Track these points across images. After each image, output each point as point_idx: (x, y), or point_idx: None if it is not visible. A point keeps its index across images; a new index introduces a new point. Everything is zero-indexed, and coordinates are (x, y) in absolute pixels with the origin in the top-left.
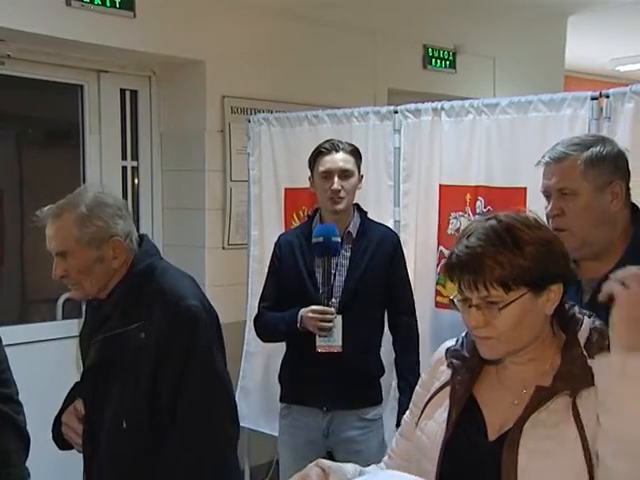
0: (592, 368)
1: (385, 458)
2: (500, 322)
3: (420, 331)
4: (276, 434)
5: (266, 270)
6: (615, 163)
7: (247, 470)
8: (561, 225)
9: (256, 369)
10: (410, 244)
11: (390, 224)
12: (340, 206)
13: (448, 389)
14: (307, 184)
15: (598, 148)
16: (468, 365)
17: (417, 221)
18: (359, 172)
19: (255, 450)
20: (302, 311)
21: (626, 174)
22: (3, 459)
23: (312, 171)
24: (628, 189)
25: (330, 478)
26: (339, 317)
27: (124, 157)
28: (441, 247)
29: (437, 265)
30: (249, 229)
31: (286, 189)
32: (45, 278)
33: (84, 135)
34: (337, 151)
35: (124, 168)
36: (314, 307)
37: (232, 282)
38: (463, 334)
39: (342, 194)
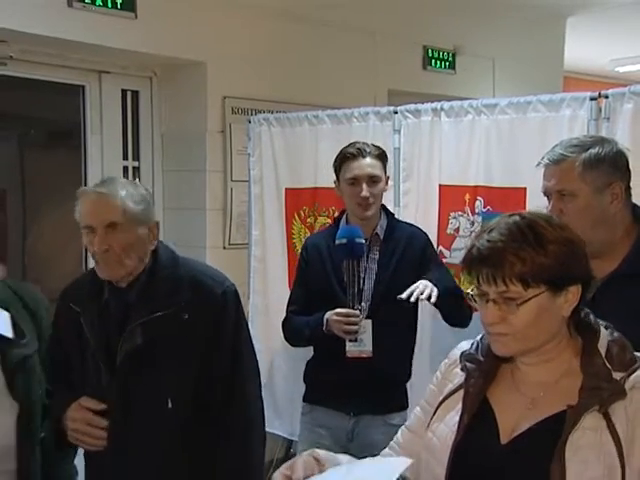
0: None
1: (386, 450)
2: (517, 319)
3: (420, 326)
4: (280, 433)
5: (268, 269)
6: (614, 164)
7: None
8: None
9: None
10: None
11: None
12: (369, 212)
13: (461, 392)
14: (308, 184)
15: (596, 149)
16: (482, 369)
17: (416, 220)
18: (386, 175)
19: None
20: (327, 314)
21: (626, 174)
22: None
23: (337, 175)
24: (629, 189)
25: (324, 467)
26: (369, 321)
27: (125, 157)
28: (440, 247)
29: None
30: (250, 229)
31: (286, 189)
32: (47, 277)
33: (85, 135)
34: (364, 157)
35: (125, 168)
36: (339, 310)
37: (233, 281)
38: (479, 337)
39: (371, 200)
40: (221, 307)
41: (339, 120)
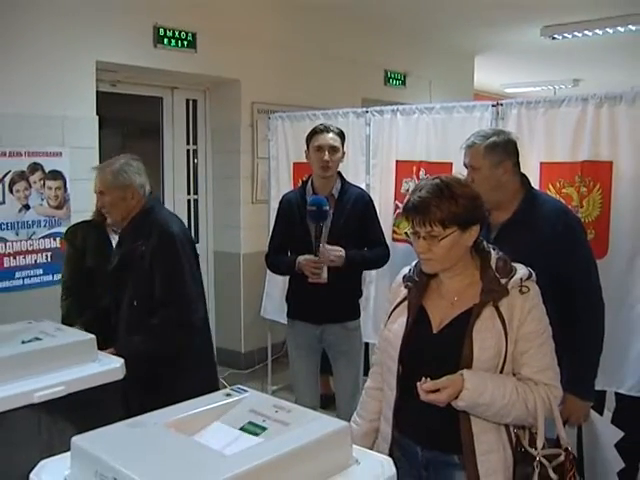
0: (506, 284)
1: (374, 357)
2: (438, 249)
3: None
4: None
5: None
6: (505, 148)
7: (269, 344)
8: None
9: (277, 282)
10: (376, 199)
11: (363, 186)
12: (328, 173)
13: (406, 303)
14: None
15: (494, 138)
16: (418, 285)
17: (381, 184)
18: (343, 149)
19: (274, 333)
20: (299, 259)
21: (514, 155)
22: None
23: (308, 145)
24: (517, 164)
25: None
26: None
27: (188, 143)
28: (396, 201)
29: (394, 213)
30: (269, 190)
31: (294, 163)
32: None
33: (163, 130)
34: (328, 132)
35: (188, 151)
36: (307, 257)
37: (258, 225)
38: (414, 264)
39: (330, 164)
40: (165, 244)
41: (329, 117)
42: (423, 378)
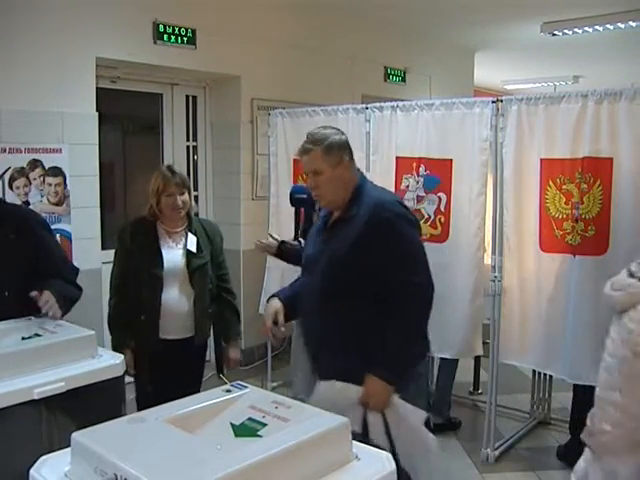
0: None
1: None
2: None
3: None
4: None
5: (280, 213)
6: (340, 146)
7: (269, 340)
8: (316, 193)
9: (275, 279)
10: None
11: None
12: None
13: None
14: None
15: (329, 140)
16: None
17: (381, 180)
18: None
19: None
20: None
21: (349, 151)
22: None
23: None
24: (352, 159)
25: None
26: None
27: (188, 139)
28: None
29: None
30: (269, 186)
31: (294, 159)
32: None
33: (163, 126)
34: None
35: (188, 147)
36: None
37: (258, 221)
38: None
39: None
40: (30, 230)
41: (329, 113)
42: None
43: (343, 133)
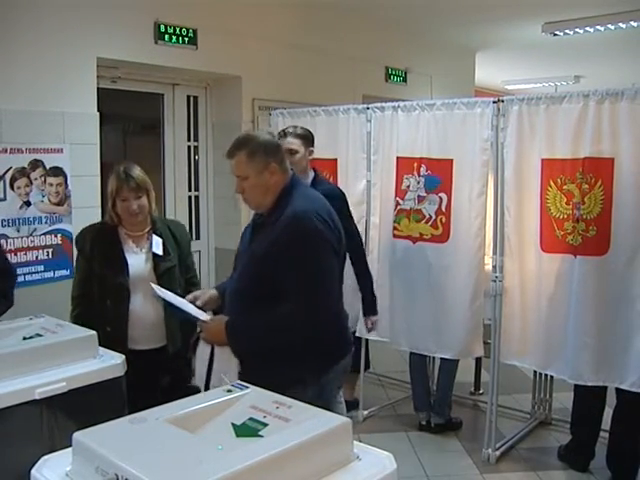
0: None
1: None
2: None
3: (382, 254)
4: None
5: None
6: (266, 151)
7: None
8: (243, 197)
9: None
10: (377, 196)
11: (364, 183)
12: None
13: None
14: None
15: (253, 145)
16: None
17: (382, 180)
18: (306, 148)
19: None
20: None
21: (277, 155)
22: None
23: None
24: (283, 162)
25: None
26: None
27: (189, 140)
28: (397, 198)
29: (394, 209)
30: None
31: None
32: None
33: (164, 126)
34: (286, 136)
35: (189, 147)
36: None
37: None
38: None
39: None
40: None
41: (330, 113)
42: None
43: (274, 135)
